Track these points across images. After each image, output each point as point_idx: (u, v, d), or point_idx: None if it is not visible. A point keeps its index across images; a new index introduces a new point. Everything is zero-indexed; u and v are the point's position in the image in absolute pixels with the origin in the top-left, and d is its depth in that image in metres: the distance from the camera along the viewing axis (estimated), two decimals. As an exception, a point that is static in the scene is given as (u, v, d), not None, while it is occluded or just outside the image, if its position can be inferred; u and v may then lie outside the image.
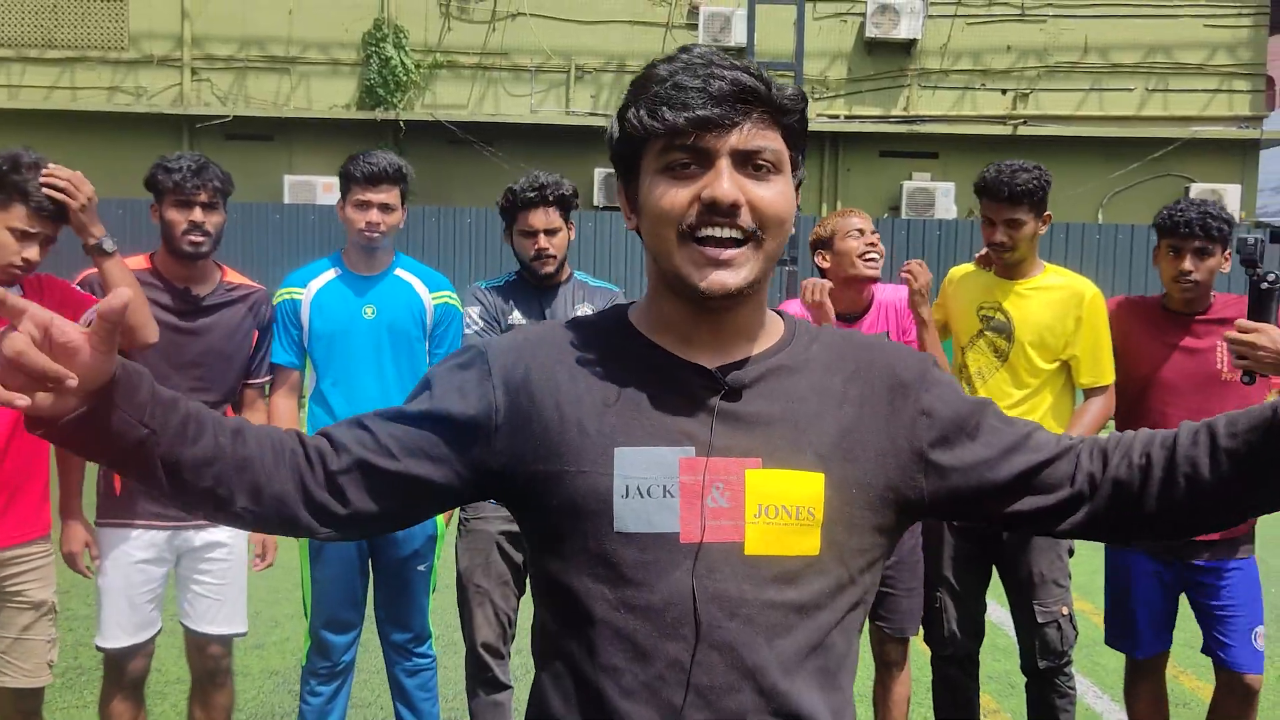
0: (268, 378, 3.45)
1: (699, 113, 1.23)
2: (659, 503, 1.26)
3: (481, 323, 3.48)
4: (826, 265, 3.58)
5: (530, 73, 16.27)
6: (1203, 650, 3.53)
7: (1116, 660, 3.83)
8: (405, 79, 16.02)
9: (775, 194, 1.28)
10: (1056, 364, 3.42)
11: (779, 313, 1.43)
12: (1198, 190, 15.60)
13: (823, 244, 3.60)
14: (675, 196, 1.26)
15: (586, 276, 3.69)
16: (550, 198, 3.45)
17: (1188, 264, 3.30)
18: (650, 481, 1.26)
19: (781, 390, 1.32)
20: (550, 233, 3.47)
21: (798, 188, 1.34)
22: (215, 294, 3.30)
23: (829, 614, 1.28)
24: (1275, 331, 2.73)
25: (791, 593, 1.26)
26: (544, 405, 1.31)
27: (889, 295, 3.65)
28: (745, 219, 1.26)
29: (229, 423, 1.29)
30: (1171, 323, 3.41)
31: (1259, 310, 2.80)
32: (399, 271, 3.57)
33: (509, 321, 3.50)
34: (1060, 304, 3.41)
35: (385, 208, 3.42)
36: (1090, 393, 3.42)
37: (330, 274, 3.52)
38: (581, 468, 1.28)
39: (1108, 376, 3.41)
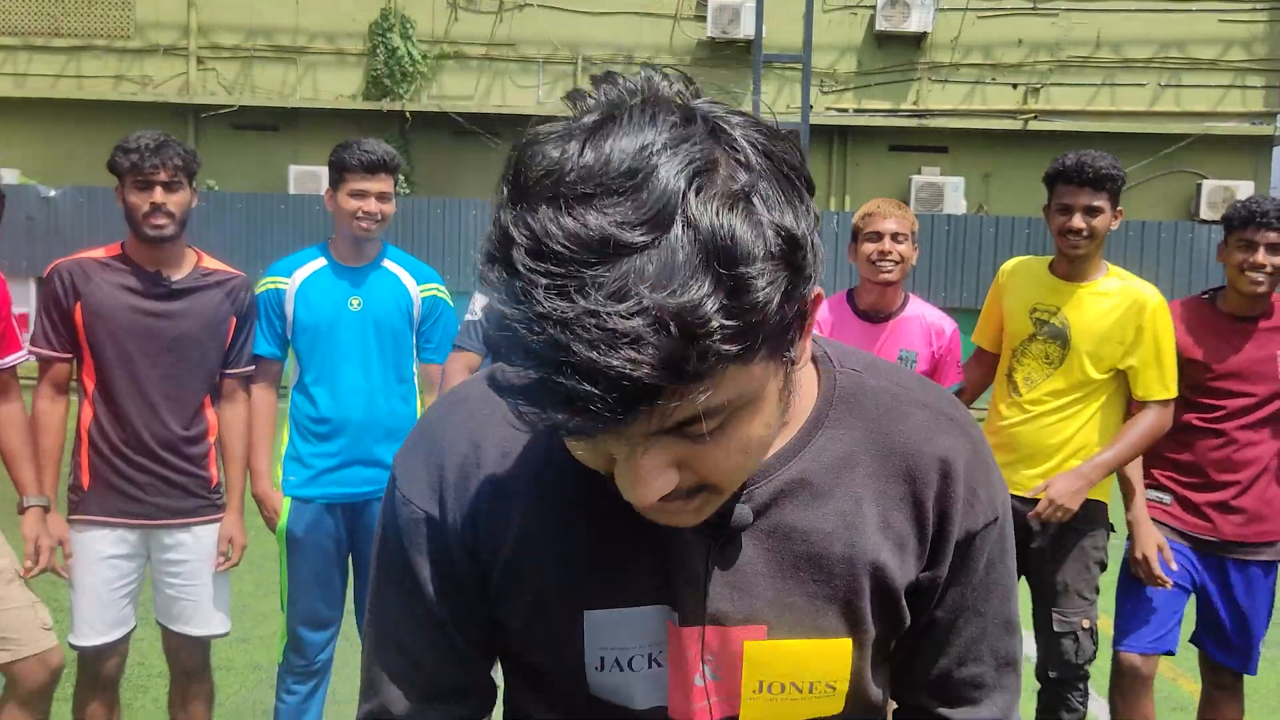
0: (249, 368, 3.37)
1: (573, 428, 0.77)
2: (643, 676, 1.02)
3: (482, 315, 3.40)
4: (853, 261, 3.48)
5: (537, 64, 16.19)
6: (1192, 640, 3.47)
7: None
8: (412, 70, 15.96)
9: (734, 446, 0.83)
10: (1111, 373, 3.28)
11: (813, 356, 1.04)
12: (1210, 187, 15.44)
13: (852, 235, 3.49)
14: (584, 457, 0.87)
15: None
16: None
17: (1261, 257, 3.21)
18: (633, 651, 1.01)
19: (800, 521, 0.99)
20: None
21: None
22: (189, 278, 3.21)
23: None
24: None
25: None
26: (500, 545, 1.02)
27: (931, 316, 3.50)
28: (690, 487, 0.86)
29: None
30: (1231, 327, 3.32)
31: None
32: (387, 263, 3.48)
33: None
34: (1121, 311, 3.26)
35: (383, 196, 3.33)
36: (1144, 404, 3.28)
37: (316, 264, 3.43)
38: (547, 635, 1.02)
39: (1167, 391, 3.24)
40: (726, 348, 0.74)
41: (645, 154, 0.76)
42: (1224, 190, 15.44)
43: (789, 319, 0.80)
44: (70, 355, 3.15)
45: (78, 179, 15.34)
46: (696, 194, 0.75)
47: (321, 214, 14.48)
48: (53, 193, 14.86)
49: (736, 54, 15.57)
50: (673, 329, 0.72)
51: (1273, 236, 3.19)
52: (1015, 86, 16.11)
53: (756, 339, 0.76)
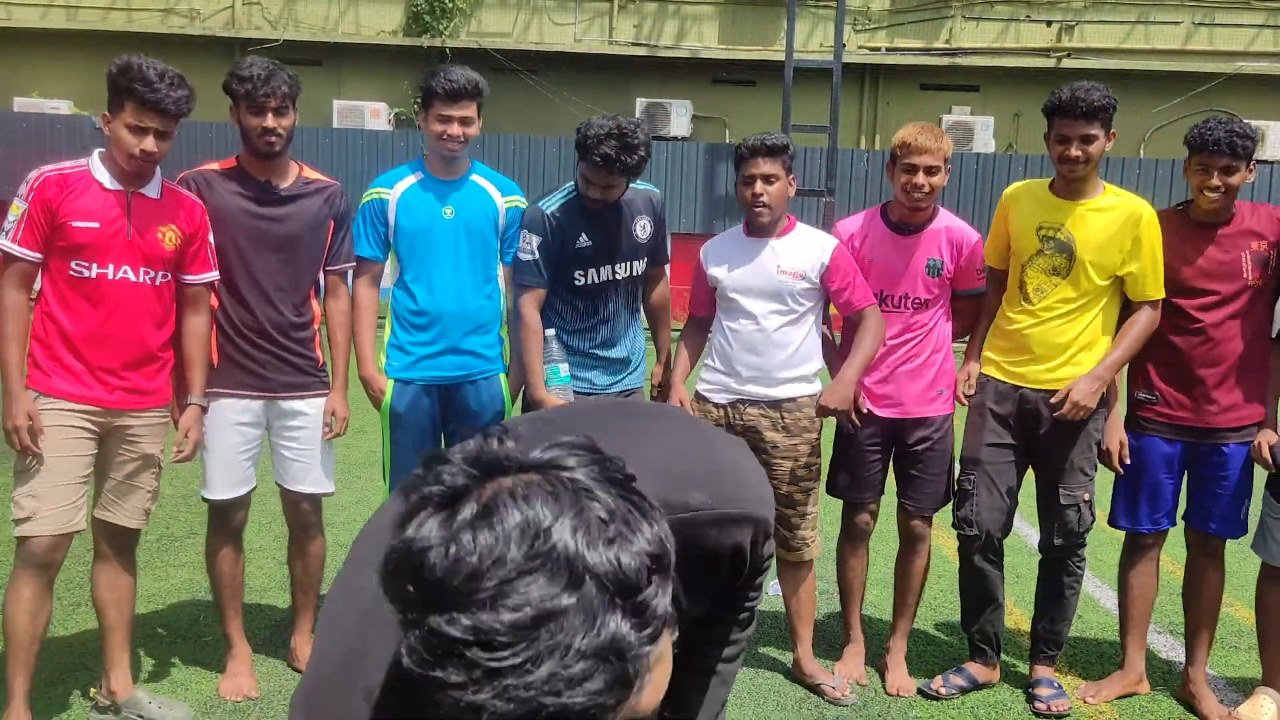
0: (349, 265, 3.80)
1: None
2: None
3: (539, 254, 3.72)
4: (890, 179, 3.83)
5: (575, 1, 16.40)
6: (1184, 516, 3.86)
7: (1114, 553, 4.13)
8: (452, 6, 16.21)
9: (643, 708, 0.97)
10: (1111, 279, 3.68)
11: None
12: (1240, 127, 15.53)
13: (890, 157, 3.82)
14: None
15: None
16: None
17: (1215, 179, 3.59)
18: None
19: None
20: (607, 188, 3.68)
21: None
22: (293, 187, 3.65)
23: None
24: None
25: None
26: None
27: (955, 228, 3.84)
28: None
29: None
30: (1198, 233, 3.69)
31: None
32: (475, 177, 3.87)
33: (576, 246, 3.73)
34: (1119, 224, 3.66)
35: (465, 120, 3.71)
36: (1140, 305, 3.69)
37: (413, 178, 3.82)
38: None
39: (1159, 292, 3.66)
40: (649, 648, 0.90)
41: (535, 530, 0.88)
42: (1255, 130, 15.52)
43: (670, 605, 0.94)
44: None
45: (128, 112, 15.75)
46: (589, 548, 0.88)
47: (364, 148, 14.84)
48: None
49: (772, -9, 15.74)
50: (612, 659, 0.87)
51: (1222, 161, 3.56)
52: (1049, 24, 16.21)
53: (660, 630, 0.92)
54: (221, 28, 16.35)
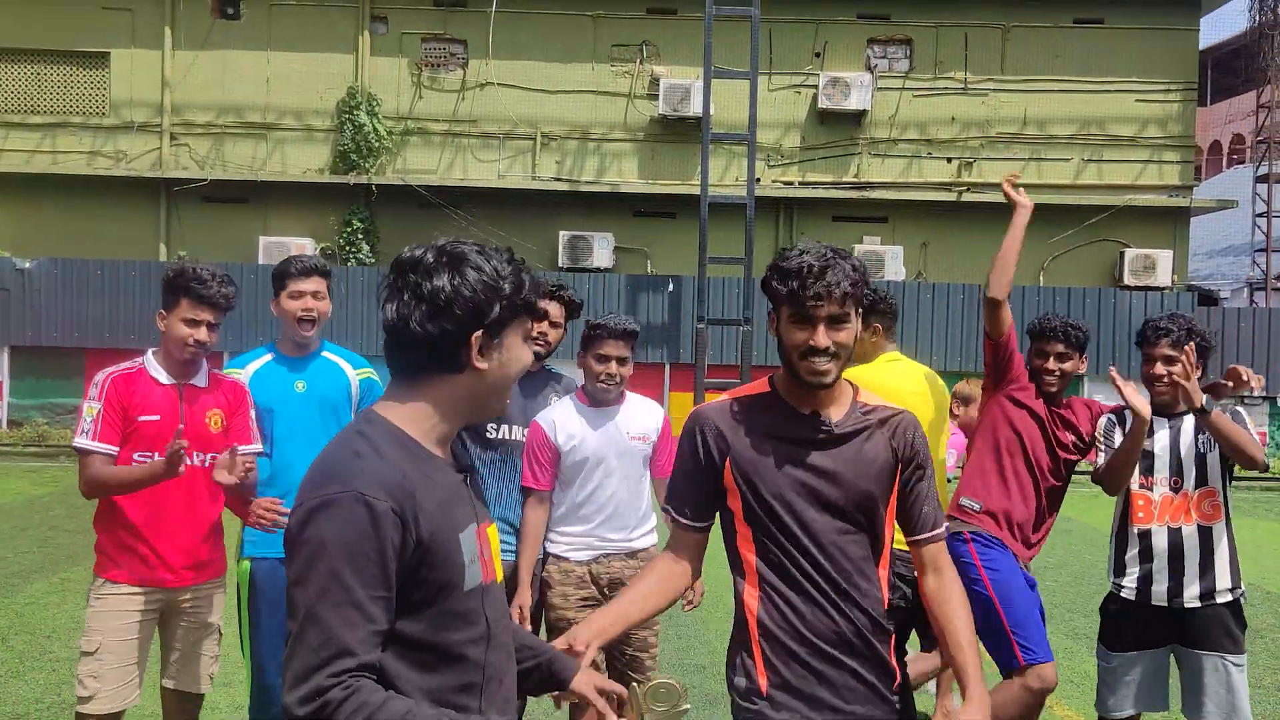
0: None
1: None
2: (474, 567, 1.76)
3: None
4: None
5: (498, 140, 16.95)
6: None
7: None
8: (378, 145, 16.66)
9: None
10: None
11: None
12: (1132, 255, 16.46)
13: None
14: None
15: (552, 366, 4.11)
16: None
17: (1051, 364, 3.97)
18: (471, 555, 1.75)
19: None
20: (554, 324, 3.93)
21: None
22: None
23: None
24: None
25: None
26: None
27: None
28: None
29: None
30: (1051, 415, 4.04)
31: None
32: (326, 354, 4.01)
33: None
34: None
35: (317, 295, 3.90)
36: None
37: (267, 357, 3.95)
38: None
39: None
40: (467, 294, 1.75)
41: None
42: (1145, 258, 16.46)
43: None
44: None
45: (52, 251, 15.81)
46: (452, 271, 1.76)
47: (291, 283, 15.01)
48: (28, 264, 15.32)
49: (687, 130, 16.44)
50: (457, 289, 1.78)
51: (1060, 348, 3.95)
52: (949, 160, 17.13)
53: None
54: (148, 169, 16.56)
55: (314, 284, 3.89)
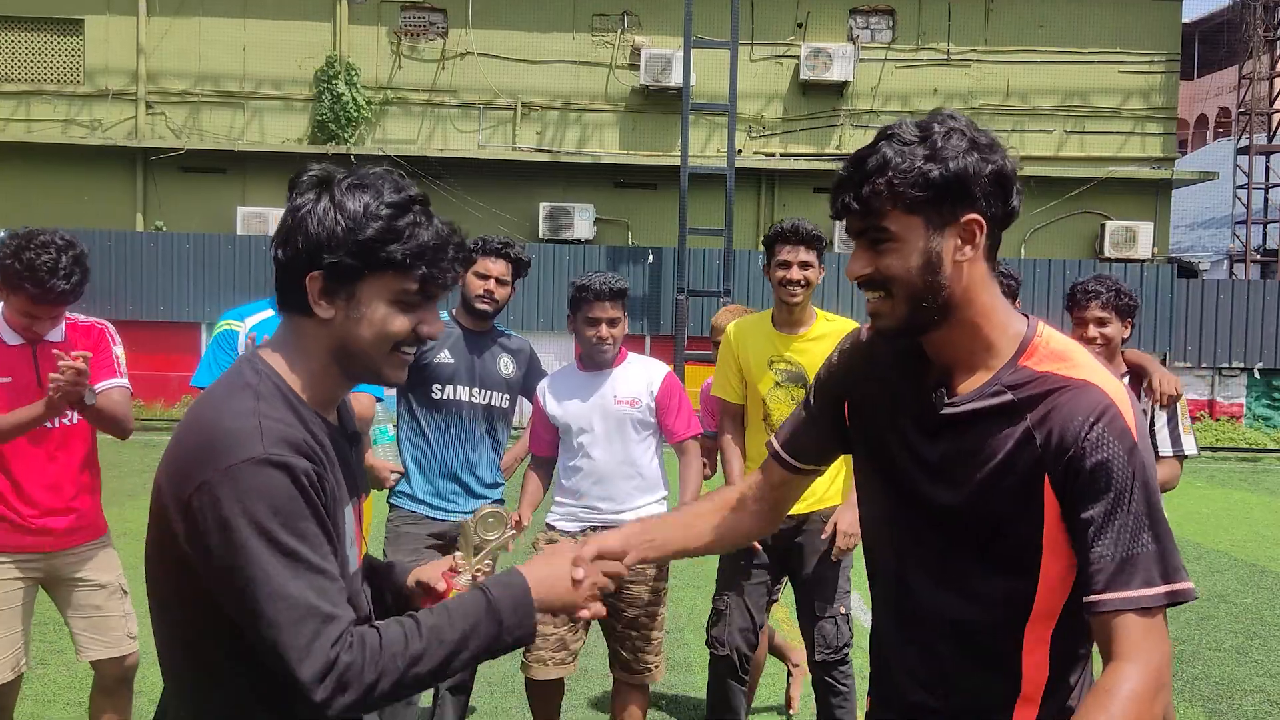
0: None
1: None
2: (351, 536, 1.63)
3: None
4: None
5: (478, 110, 16.83)
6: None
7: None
8: (356, 115, 16.52)
9: None
10: None
11: None
12: (1113, 227, 16.46)
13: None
14: None
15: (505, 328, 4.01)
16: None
17: (1091, 331, 3.81)
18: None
19: None
20: (500, 282, 3.80)
21: None
22: None
23: None
24: None
25: None
26: None
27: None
28: None
29: None
30: None
31: None
32: None
33: (436, 361, 3.75)
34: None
35: None
36: None
37: (268, 313, 3.73)
38: None
39: None
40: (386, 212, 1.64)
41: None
42: (1126, 230, 16.47)
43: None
44: None
45: (26, 221, 15.56)
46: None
47: (268, 255, 14.90)
48: (1, 234, 15.14)
49: (669, 101, 16.34)
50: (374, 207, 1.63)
51: (1097, 312, 3.81)
52: (932, 132, 17.04)
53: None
54: (124, 138, 16.39)
55: None
